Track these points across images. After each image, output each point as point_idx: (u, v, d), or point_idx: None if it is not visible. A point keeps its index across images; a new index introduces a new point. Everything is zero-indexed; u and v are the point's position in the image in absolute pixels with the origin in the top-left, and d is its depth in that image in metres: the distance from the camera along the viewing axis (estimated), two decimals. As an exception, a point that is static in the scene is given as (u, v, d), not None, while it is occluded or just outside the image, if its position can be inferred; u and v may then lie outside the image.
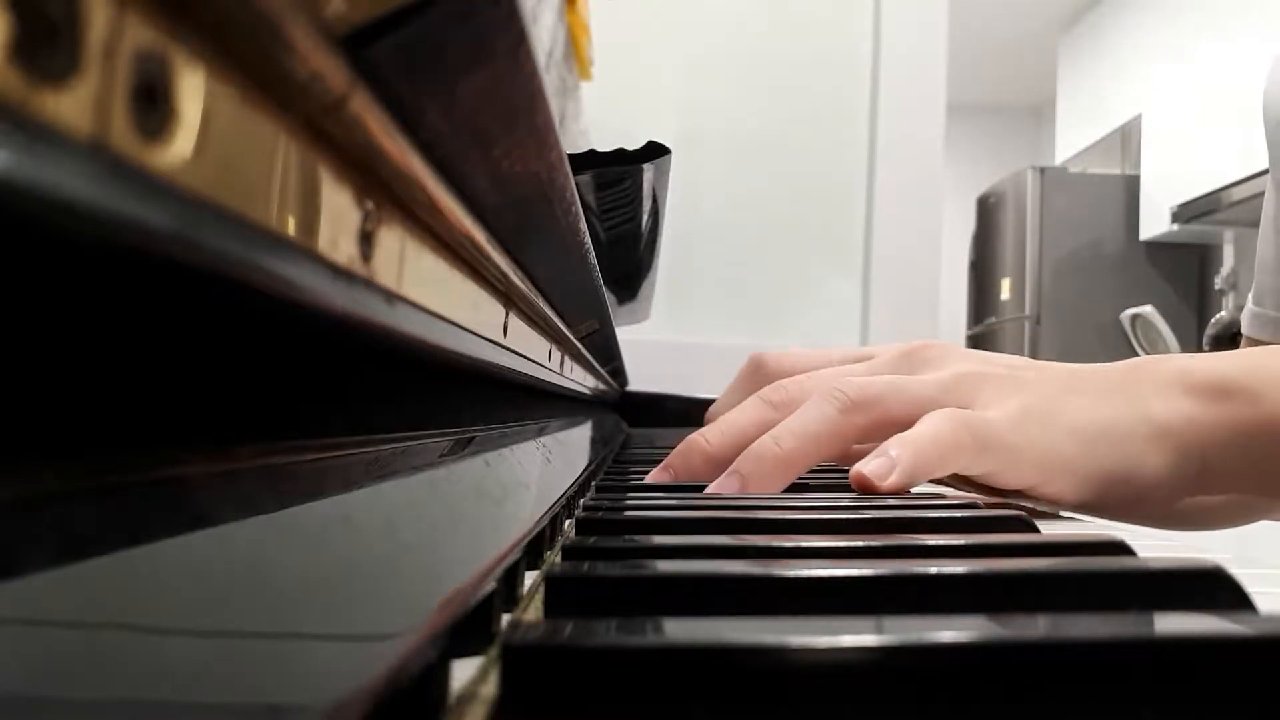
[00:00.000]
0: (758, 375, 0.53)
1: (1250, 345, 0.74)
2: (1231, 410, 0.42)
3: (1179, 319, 3.15)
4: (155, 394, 0.11)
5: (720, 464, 0.43)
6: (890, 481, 0.37)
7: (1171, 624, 0.16)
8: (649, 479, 0.45)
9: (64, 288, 0.09)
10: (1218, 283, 3.15)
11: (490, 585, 0.18)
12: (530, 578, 0.25)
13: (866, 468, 0.38)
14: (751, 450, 0.41)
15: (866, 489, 0.38)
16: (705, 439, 0.45)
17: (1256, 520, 0.54)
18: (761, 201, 1.64)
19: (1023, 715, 0.14)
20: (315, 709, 0.10)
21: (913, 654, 0.14)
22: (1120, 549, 0.24)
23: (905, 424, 0.40)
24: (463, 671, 0.16)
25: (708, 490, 0.40)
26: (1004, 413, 0.41)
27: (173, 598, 0.10)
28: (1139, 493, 0.42)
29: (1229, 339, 2.41)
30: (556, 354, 0.42)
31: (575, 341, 0.47)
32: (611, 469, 0.55)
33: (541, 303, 0.32)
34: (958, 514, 0.31)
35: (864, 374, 0.46)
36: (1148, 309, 3.00)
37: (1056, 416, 0.41)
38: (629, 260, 0.74)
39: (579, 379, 0.53)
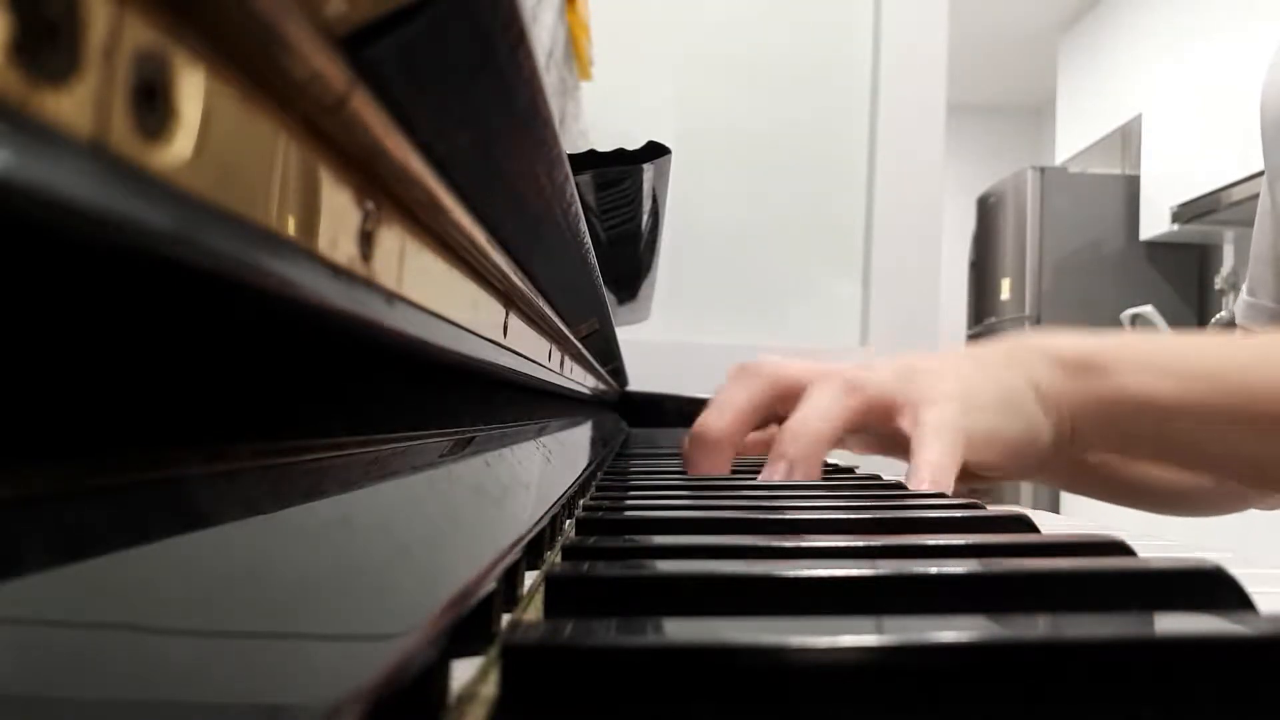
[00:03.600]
0: (742, 371, 0.59)
1: (1244, 335, 0.75)
2: (1087, 383, 0.50)
3: (1179, 319, 3.15)
4: (155, 394, 0.11)
5: (729, 440, 0.50)
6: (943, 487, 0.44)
7: (1172, 624, 0.16)
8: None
9: (64, 288, 0.09)
10: (1218, 283, 3.15)
11: (490, 585, 0.18)
12: (530, 578, 0.25)
13: (920, 487, 0.44)
14: (787, 431, 0.47)
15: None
16: (706, 425, 0.50)
17: (1246, 509, 0.60)
18: (761, 201, 1.64)
19: (1023, 715, 0.14)
20: (315, 709, 0.10)
21: (913, 654, 0.14)
22: (1120, 549, 0.24)
23: (883, 408, 0.49)
24: (463, 671, 0.16)
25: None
26: (957, 408, 0.48)
27: (173, 598, 0.10)
28: (1040, 453, 0.50)
29: (1229, 339, 2.41)
30: (556, 354, 0.42)
31: (575, 341, 0.47)
32: (611, 469, 0.55)
33: (541, 303, 0.32)
34: (958, 514, 0.31)
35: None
36: (1148, 309, 3.00)
37: (984, 396, 0.49)
38: (629, 260, 0.74)
39: (579, 379, 0.53)
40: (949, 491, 0.42)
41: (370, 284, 0.14)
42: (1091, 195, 3.42)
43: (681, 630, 0.15)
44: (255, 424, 0.14)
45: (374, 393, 0.20)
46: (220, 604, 0.10)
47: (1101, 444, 0.52)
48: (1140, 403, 0.49)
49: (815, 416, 0.47)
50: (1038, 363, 0.50)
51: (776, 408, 0.51)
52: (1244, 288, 0.76)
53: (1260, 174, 0.73)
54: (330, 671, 0.11)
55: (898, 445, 0.50)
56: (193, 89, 0.09)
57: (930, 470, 0.45)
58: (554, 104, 0.21)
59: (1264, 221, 0.73)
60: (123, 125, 0.08)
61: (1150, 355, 0.50)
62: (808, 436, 0.47)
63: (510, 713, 0.13)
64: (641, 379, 1.20)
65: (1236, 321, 0.77)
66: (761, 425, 0.54)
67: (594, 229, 0.60)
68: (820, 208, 1.65)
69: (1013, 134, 5.07)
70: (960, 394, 0.48)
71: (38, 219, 0.07)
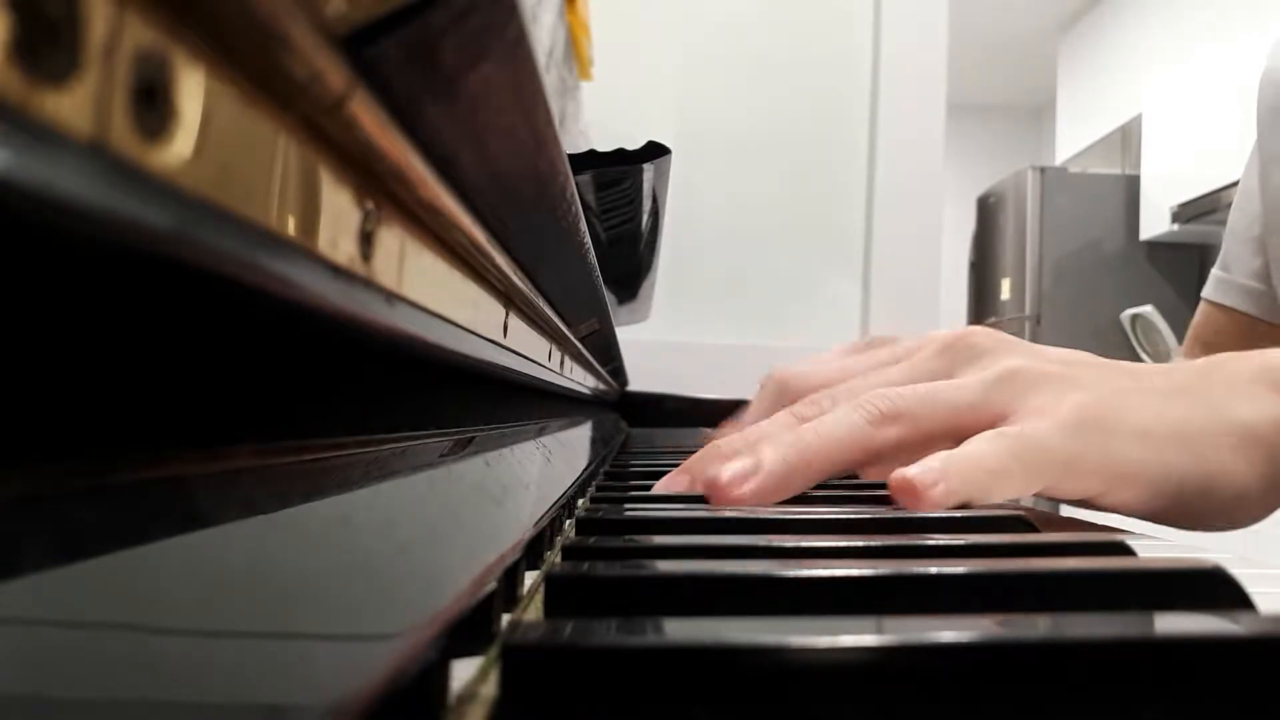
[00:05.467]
0: (782, 395, 0.48)
1: (1210, 309, 0.76)
2: None
3: (1179, 319, 3.14)
4: (155, 394, 0.11)
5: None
6: (937, 490, 0.33)
7: (1171, 624, 0.16)
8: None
9: (64, 288, 0.09)
10: (1217, 283, 3.15)
11: (490, 585, 0.18)
12: (530, 578, 0.25)
13: (910, 471, 0.33)
14: (770, 437, 0.38)
15: (908, 494, 0.33)
16: (727, 442, 0.41)
17: None
18: (761, 201, 1.64)
19: (1023, 715, 0.14)
20: (315, 709, 0.10)
21: (913, 654, 0.14)
22: (1120, 549, 0.24)
23: (942, 436, 0.37)
24: (463, 671, 0.16)
25: (713, 471, 0.36)
26: (1056, 420, 0.36)
27: (173, 598, 0.10)
28: (1222, 503, 0.37)
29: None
30: (556, 354, 0.42)
31: (575, 341, 0.47)
32: (612, 469, 0.55)
33: (541, 303, 0.32)
34: (958, 514, 0.31)
35: (900, 378, 0.42)
36: (1148, 309, 3.00)
37: (1118, 417, 0.37)
38: (629, 260, 0.74)
39: (579, 379, 0.53)
40: (959, 492, 0.33)
41: (370, 284, 0.14)
42: (1091, 195, 3.42)
43: (681, 630, 0.15)
44: (255, 424, 0.14)
45: (374, 393, 0.20)
46: (220, 604, 0.10)
47: None
48: None
49: (796, 449, 0.36)
50: (1240, 391, 0.38)
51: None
52: (1217, 263, 0.77)
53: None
54: (330, 671, 0.11)
55: None
56: (193, 89, 0.09)
57: (948, 462, 0.33)
58: (554, 104, 0.21)
59: (1248, 201, 0.75)
60: (123, 125, 0.08)
61: None
62: (765, 472, 0.35)
63: (510, 713, 0.13)
64: (641, 379, 1.20)
65: (1205, 297, 0.78)
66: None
67: (594, 229, 0.60)
68: (820, 208, 1.65)
69: (1013, 134, 5.07)
70: (1078, 413, 0.36)
71: (38, 219, 0.07)
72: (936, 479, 0.33)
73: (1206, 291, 0.77)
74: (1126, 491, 0.36)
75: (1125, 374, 0.39)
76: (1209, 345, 0.76)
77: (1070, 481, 0.36)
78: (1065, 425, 0.36)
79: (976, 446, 0.35)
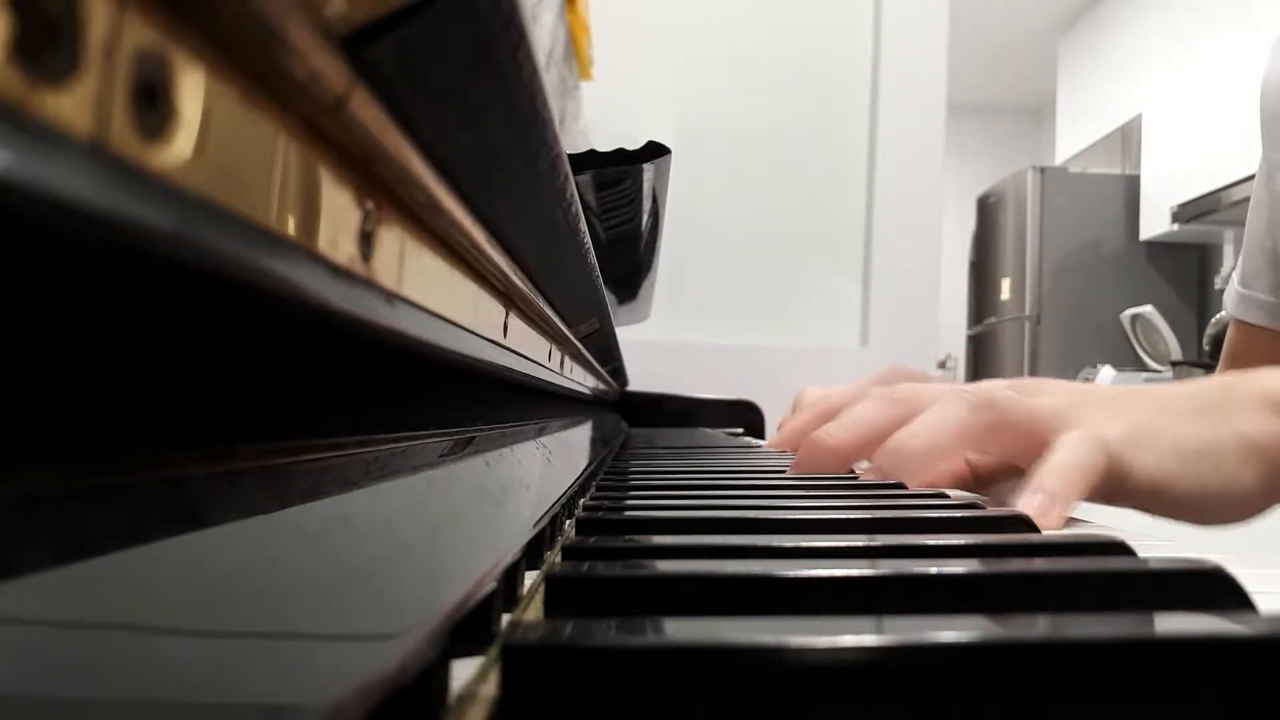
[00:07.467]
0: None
1: (1237, 329, 0.75)
2: None
3: (1179, 319, 3.15)
4: (155, 394, 0.11)
5: (845, 457, 0.47)
6: (1054, 516, 0.36)
7: (1171, 624, 0.16)
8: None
9: (64, 288, 0.09)
10: (1218, 283, 3.15)
11: (490, 585, 0.18)
12: (530, 578, 0.25)
13: (1029, 509, 0.36)
14: (890, 445, 0.43)
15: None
16: (829, 434, 0.47)
17: None
18: (761, 201, 1.64)
19: (1023, 716, 0.14)
20: (315, 709, 0.10)
21: (913, 654, 0.14)
22: (1120, 549, 0.24)
23: (1024, 434, 0.43)
24: (463, 671, 0.16)
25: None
26: (1116, 434, 0.41)
27: (173, 598, 0.10)
28: (1232, 507, 0.43)
29: (1229, 339, 2.41)
30: (556, 354, 0.42)
31: (575, 341, 0.47)
32: (611, 469, 0.55)
33: (541, 303, 0.32)
34: (958, 514, 0.31)
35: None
36: (1148, 309, 3.00)
37: (1160, 437, 0.43)
38: (629, 260, 0.74)
39: (579, 379, 0.53)
40: (1066, 502, 0.37)
41: (370, 284, 0.14)
42: (1091, 195, 3.43)
43: (681, 630, 0.15)
44: (255, 424, 0.14)
45: (374, 393, 0.20)
46: (220, 604, 0.10)
47: None
48: None
49: (925, 430, 0.43)
50: (1244, 408, 0.44)
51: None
52: (1236, 279, 0.75)
53: (1259, 171, 0.72)
54: (330, 671, 0.11)
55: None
56: (193, 89, 0.09)
57: (1050, 475, 0.38)
58: (554, 104, 0.21)
59: (1259, 213, 0.73)
60: (123, 125, 0.08)
61: None
62: (905, 453, 0.42)
63: (510, 713, 0.13)
64: (641, 379, 1.20)
65: (1229, 314, 0.76)
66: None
67: (594, 229, 0.60)
68: (820, 208, 1.65)
69: (1013, 134, 5.07)
70: (1130, 430, 0.42)
71: (38, 219, 0.07)
72: (1050, 506, 0.37)
73: (1228, 308, 0.76)
74: (1164, 501, 0.42)
75: (1159, 399, 0.45)
76: (1237, 360, 0.74)
77: (1123, 491, 0.41)
78: (1123, 440, 0.41)
79: (1070, 447, 0.39)
